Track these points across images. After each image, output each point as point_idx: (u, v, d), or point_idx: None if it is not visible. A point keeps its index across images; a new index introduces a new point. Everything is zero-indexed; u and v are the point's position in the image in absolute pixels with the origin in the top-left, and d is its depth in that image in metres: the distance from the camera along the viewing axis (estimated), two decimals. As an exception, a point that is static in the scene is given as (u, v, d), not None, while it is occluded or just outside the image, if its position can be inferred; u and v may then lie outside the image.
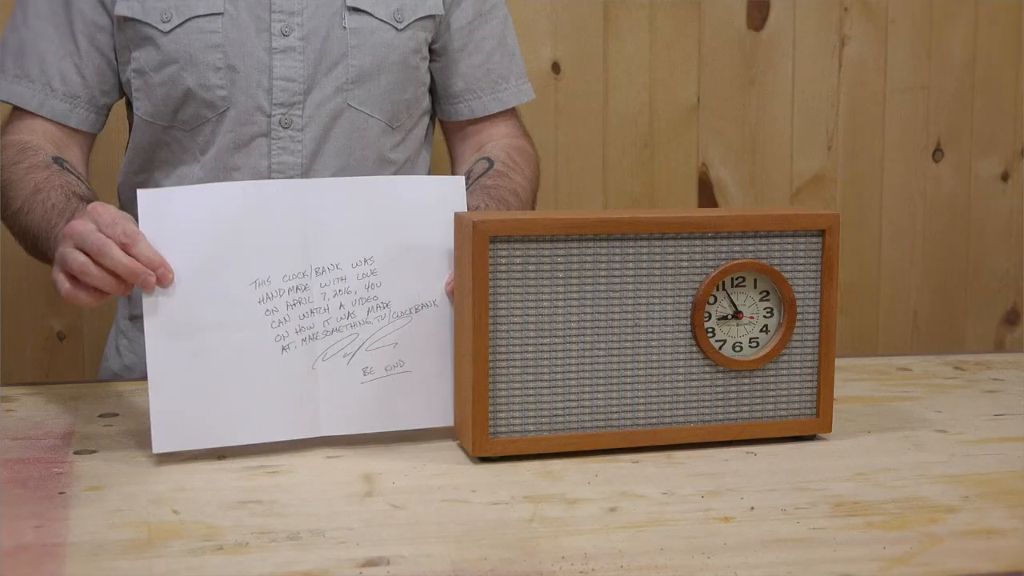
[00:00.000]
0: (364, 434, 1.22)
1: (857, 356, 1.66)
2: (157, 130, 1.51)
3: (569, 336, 1.16)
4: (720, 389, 1.20)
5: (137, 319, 1.60)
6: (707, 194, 2.26)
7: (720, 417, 1.21)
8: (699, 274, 1.18)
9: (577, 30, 2.15)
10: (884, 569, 0.91)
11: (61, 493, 1.06)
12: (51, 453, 1.17)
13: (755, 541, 0.96)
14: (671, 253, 1.17)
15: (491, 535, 0.97)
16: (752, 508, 1.03)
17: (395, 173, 1.56)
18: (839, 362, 1.41)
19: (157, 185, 1.53)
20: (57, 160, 1.42)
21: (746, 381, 1.21)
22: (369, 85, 1.51)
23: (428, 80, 1.59)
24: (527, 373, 1.15)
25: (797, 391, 1.22)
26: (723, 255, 1.18)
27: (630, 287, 1.17)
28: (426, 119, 1.62)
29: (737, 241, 1.18)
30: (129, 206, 1.58)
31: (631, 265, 1.16)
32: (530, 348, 1.15)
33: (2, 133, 1.50)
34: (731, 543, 0.96)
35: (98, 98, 1.51)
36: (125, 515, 1.00)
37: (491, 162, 1.52)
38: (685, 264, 1.18)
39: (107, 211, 1.16)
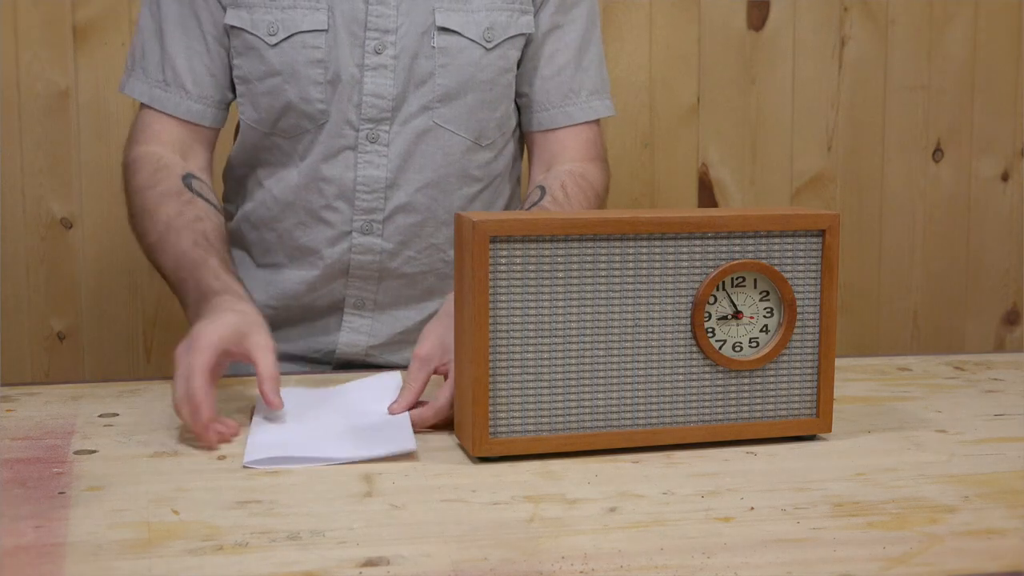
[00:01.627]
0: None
1: (857, 356, 1.66)
2: (259, 135, 1.55)
3: (569, 336, 1.16)
4: (720, 389, 1.20)
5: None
6: (707, 194, 2.26)
7: (720, 417, 1.21)
8: (699, 274, 1.18)
9: (577, 30, 2.15)
10: (884, 569, 0.91)
11: (61, 493, 1.06)
12: (51, 453, 1.17)
13: (755, 541, 0.96)
14: (671, 253, 1.17)
15: (491, 535, 0.97)
16: (752, 508, 1.03)
17: (481, 191, 1.58)
18: (839, 362, 1.41)
19: (259, 181, 1.58)
20: (187, 180, 1.47)
21: (746, 381, 1.21)
22: (456, 103, 1.52)
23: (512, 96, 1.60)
24: (527, 373, 1.15)
25: (797, 391, 1.22)
26: (723, 255, 1.18)
27: (630, 287, 1.17)
28: (518, 136, 1.63)
29: (737, 241, 1.18)
30: (231, 193, 1.65)
31: (631, 265, 1.17)
32: (530, 348, 1.15)
33: (133, 132, 1.55)
34: (731, 543, 0.96)
35: (226, 95, 1.56)
36: (125, 515, 1.00)
37: (543, 193, 1.52)
38: (685, 264, 1.18)
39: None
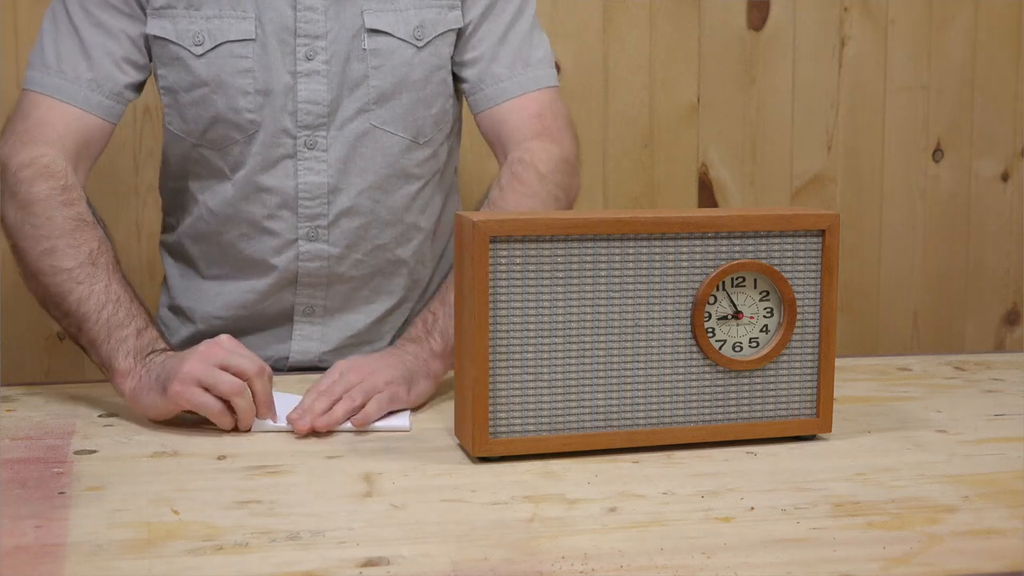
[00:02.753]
0: (365, 435, 1.23)
1: (857, 356, 1.66)
2: (187, 146, 1.53)
3: (569, 336, 1.16)
4: (720, 389, 1.20)
5: (176, 309, 1.62)
6: (707, 194, 2.26)
7: (720, 417, 1.21)
8: (699, 274, 1.18)
9: (577, 30, 2.15)
10: (884, 569, 0.91)
11: (61, 493, 1.06)
12: (51, 453, 1.17)
13: (755, 541, 0.96)
14: (671, 253, 1.17)
15: (491, 535, 0.97)
16: (752, 508, 1.03)
17: (421, 188, 1.56)
18: (839, 362, 1.41)
19: (192, 195, 1.55)
20: (91, 207, 1.41)
21: (746, 381, 1.21)
22: (391, 104, 1.51)
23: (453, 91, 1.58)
24: (527, 373, 1.15)
25: (797, 391, 1.22)
26: (723, 255, 1.18)
27: (630, 287, 1.17)
28: (456, 131, 1.62)
29: (737, 241, 1.18)
30: (169, 207, 1.62)
31: (631, 265, 1.16)
32: (530, 348, 1.15)
33: (24, 126, 1.44)
34: (731, 543, 0.96)
35: (130, 94, 1.50)
36: (125, 515, 1.00)
37: (485, 200, 1.49)
38: (685, 264, 1.18)
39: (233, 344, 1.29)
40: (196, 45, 1.46)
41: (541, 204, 1.46)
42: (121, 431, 1.25)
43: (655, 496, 1.06)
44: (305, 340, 1.57)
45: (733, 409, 1.21)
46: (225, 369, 1.24)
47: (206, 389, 1.23)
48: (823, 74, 2.27)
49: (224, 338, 1.28)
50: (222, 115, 1.48)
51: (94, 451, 1.18)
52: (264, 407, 1.25)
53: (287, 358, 1.57)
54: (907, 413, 1.34)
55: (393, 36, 1.50)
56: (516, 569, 0.90)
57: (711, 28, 2.21)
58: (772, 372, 1.22)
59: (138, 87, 1.51)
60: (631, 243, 1.16)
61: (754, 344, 1.21)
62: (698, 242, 1.18)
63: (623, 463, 1.15)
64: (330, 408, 1.26)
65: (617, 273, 1.16)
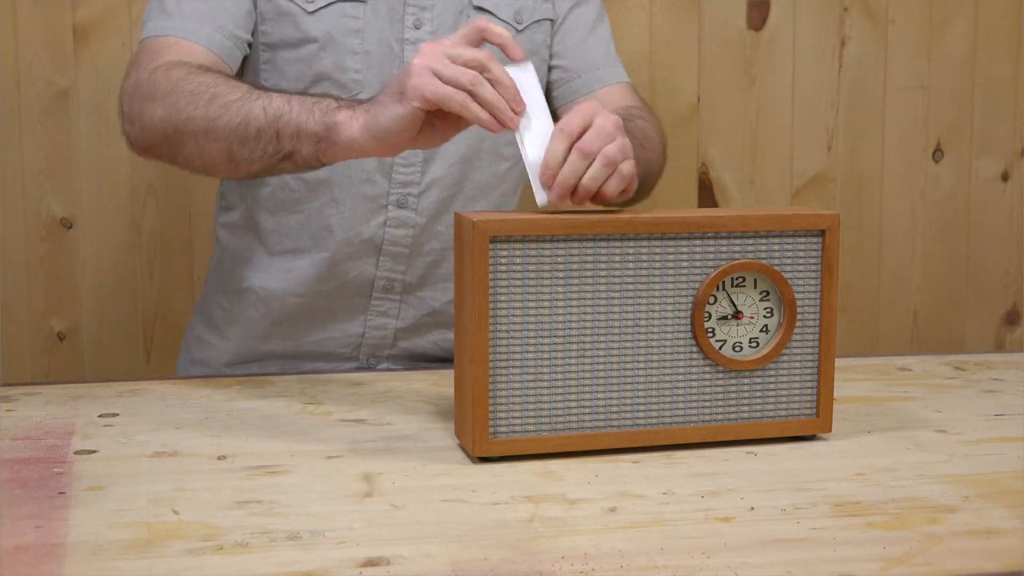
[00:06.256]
0: (365, 435, 1.23)
1: (857, 356, 1.66)
2: None
3: (569, 336, 1.16)
4: (720, 389, 1.20)
5: (241, 291, 1.61)
6: (707, 194, 2.26)
7: (720, 417, 1.21)
8: (699, 274, 1.18)
9: (577, 30, 2.15)
10: (884, 569, 0.91)
11: (61, 493, 1.06)
12: (51, 453, 1.17)
13: (755, 541, 0.96)
14: (671, 253, 1.17)
15: (491, 535, 0.97)
16: (752, 508, 1.03)
17: (508, 171, 1.61)
18: (839, 362, 1.41)
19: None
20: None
21: (746, 381, 1.21)
22: None
23: (546, 81, 1.64)
24: (527, 373, 1.15)
25: (797, 391, 1.22)
26: (723, 255, 1.18)
27: (630, 287, 1.17)
28: None
29: (737, 241, 1.18)
30: (236, 183, 1.60)
31: (631, 265, 1.17)
32: (530, 348, 1.15)
33: (151, 55, 1.42)
34: (731, 543, 0.96)
35: (242, 40, 1.50)
36: (125, 515, 1.00)
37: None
38: (685, 264, 1.18)
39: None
40: (308, 2, 1.49)
41: (654, 129, 1.59)
42: (121, 431, 1.25)
43: (655, 496, 1.06)
44: (382, 316, 1.58)
45: (733, 409, 1.21)
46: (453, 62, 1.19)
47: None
48: (823, 74, 2.27)
49: (429, 43, 1.21)
50: (327, 73, 1.50)
51: (94, 451, 1.18)
52: (509, 95, 1.19)
53: (362, 334, 1.59)
54: (907, 413, 1.34)
55: (495, 16, 1.55)
56: (516, 569, 0.90)
57: (711, 28, 2.21)
58: (772, 372, 1.22)
59: (246, 42, 1.51)
60: (631, 243, 1.16)
61: (754, 344, 1.21)
62: (698, 242, 1.18)
63: (623, 463, 1.15)
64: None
65: (617, 273, 1.16)
